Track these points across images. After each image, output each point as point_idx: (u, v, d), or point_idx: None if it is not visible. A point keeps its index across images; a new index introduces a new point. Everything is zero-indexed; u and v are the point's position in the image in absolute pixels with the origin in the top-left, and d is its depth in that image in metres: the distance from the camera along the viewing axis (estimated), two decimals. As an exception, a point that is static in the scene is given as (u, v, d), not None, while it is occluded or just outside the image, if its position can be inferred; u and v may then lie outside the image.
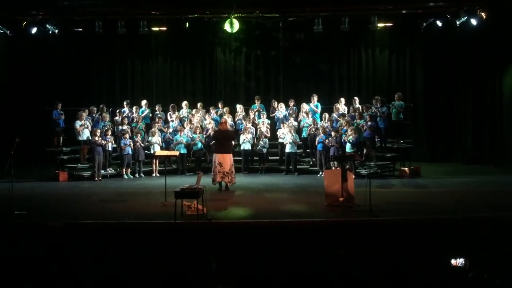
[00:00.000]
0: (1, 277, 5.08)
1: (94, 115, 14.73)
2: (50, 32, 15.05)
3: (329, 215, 9.03)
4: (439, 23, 15.06)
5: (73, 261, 5.63)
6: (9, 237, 7.64)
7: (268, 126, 14.82)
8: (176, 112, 15.26)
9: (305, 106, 14.98)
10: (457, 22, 14.42)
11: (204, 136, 14.56)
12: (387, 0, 14.77)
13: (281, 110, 15.10)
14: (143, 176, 14.12)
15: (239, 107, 15.44)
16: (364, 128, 13.67)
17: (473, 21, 14.17)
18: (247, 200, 10.70)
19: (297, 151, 14.40)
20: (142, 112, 15.21)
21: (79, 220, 8.44)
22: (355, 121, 13.99)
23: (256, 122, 14.96)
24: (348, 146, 13.05)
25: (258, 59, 17.56)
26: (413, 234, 7.82)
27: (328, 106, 15.35)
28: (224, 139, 11.71)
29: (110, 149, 13.91)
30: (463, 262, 5.43)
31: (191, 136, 14.40)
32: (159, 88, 17.44)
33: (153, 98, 16.54)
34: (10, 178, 9.17)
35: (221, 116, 14.84)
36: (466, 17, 14.17)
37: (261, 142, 14.43)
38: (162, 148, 14.14)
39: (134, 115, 15.01)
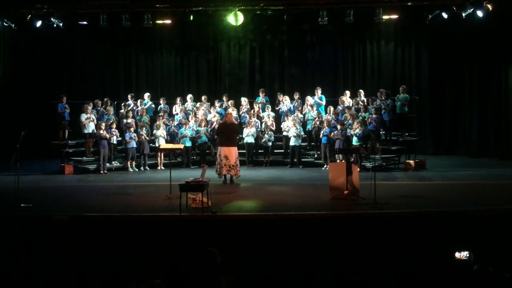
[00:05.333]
0: (7, 268, 5.12)
1: (98, 108, 14.75)
2: (55, 25, 15.06)
3: (334, 208, 9.02)
4: (444, 15, 14.97)
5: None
6: (15, 230, 7.70)
7: (273, 119, 14.81)
8: (181, 105, 15.26)
9: (309, 99, 14.95)
10: (463, 14, 14.32)
11: (209, 129, 14.57)
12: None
13: (285, 103, 15.08)
14: (148, 169, 14.15)
15: (244, 100, 15.41)
16: (369, 121, 13.64)
17: (479, 13, 14.06)
18: (251, 193, 10.70)
19: (302, 144, 14.38)
20: (145, 105, 15.23)
21: (84, 213, 8.47)
22: (360, 113, 13.96)
23: (261, 115, 14.95)
24: (354, 139, 13.03)
25: (262, 52, 17.51)
26: (417, 227, 7.81)
27: (333, 99, 15.32)
28: (229, 132, 11.68)
29: (115, 142, 13.94)
30: (468, 255, 5.42)
31: (196, 129, 14.42)
32: (163, 81, 17.47)
33: (157, 91, 16.55)
34: (16, 171, 9.22)
35: (225, 109, 14.82)
36: (472, 9, 14.05)
37: (266, 135, 14.42)
38: (167, 141, 14.15)
39: (139, 108, 15.03)
